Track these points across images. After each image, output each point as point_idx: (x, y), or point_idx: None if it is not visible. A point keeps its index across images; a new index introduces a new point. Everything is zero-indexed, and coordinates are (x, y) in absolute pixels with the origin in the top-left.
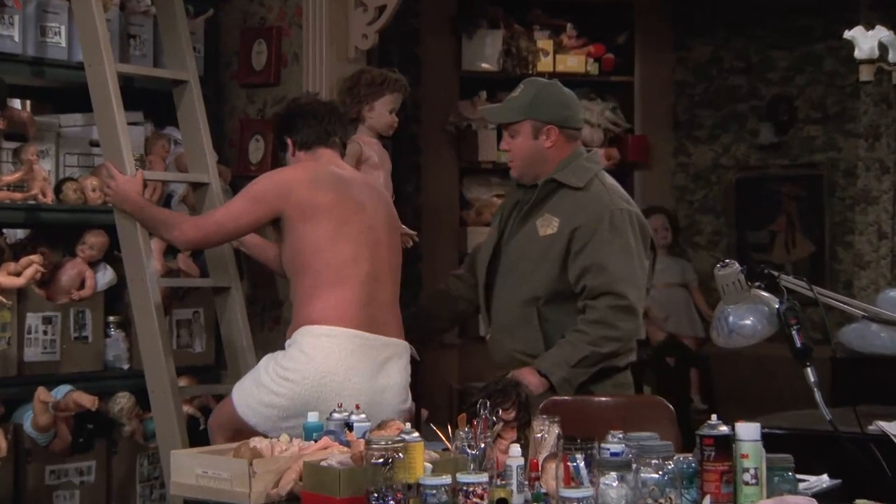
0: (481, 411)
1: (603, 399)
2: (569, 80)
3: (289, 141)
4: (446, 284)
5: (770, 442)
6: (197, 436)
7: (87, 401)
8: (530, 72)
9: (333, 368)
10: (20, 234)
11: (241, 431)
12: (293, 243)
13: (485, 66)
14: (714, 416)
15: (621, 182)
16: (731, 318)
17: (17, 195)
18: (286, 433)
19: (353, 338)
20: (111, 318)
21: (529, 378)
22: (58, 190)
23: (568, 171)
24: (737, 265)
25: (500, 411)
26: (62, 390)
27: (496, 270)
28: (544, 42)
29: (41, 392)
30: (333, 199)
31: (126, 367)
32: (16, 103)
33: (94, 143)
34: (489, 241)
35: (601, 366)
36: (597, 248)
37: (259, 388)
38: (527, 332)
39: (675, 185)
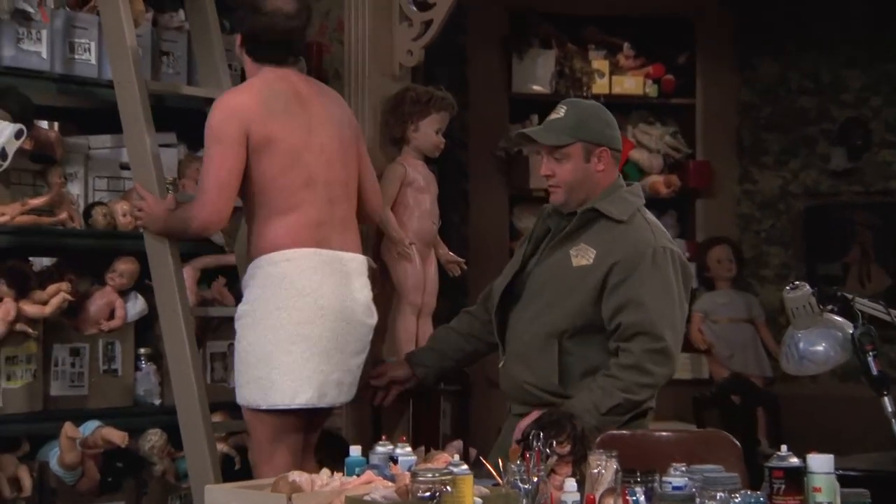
0: (534, 444)
1: (663, 434)
2: (626, 102)
3: (246, 56)
4: (457, 322)
5: (844, 483)
6: (232, 476)
7: (117, 437)
8: (585, 94)
9: (305, 287)
10: (46, 261)
11: (286, 433)
12: (249, 174)
13: (536, 87)
14: (784, 447)
15: (683, 210)
16: (801, 344)
17: (44, 220)
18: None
19: (312, 256)
20: (142, 351)
21: None
22: (86, 215)
23: (609, 202)
24: (807, 287)
25: (555, 444)
26: (90, 426)
27: (515, 296)
28: (599, 62)
29: (68, 428)
30: (286, 126)
31: (157, 402)
32: (43, 123)
33: (125, 166)
34: (509, 268)
35: (633, 413)
36: (636, 285)
37: (256, 363)
38: (543, 365)
39: (739, 214)
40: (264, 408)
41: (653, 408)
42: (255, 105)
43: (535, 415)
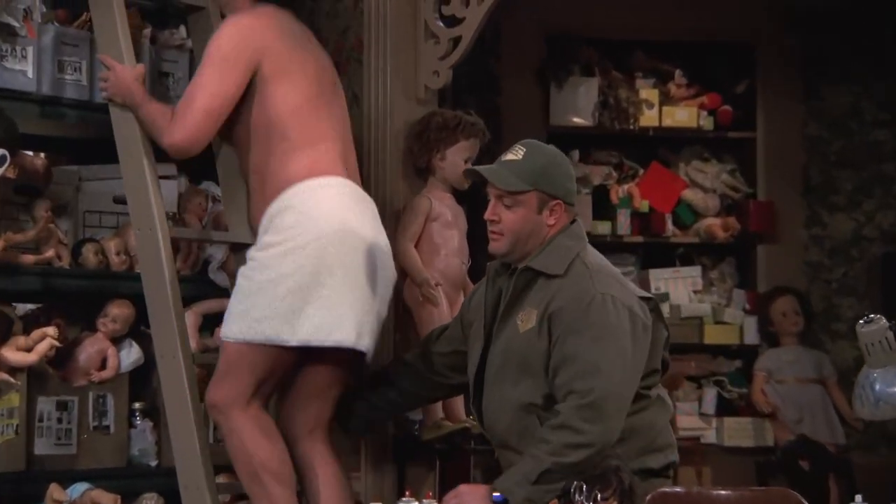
0: (576, 497)
1: (722, 492)
2: (678, 136)
3: None
4: (392, 367)
5: None
6: None
7: (109, 501)
8: (631, 127)
9: (346, 216)
10: (31, 304)
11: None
12: (265, 105)
13: (577, 120)
14: (858, 497)
15: (743, 257)
16: (877, 385)
17: (29, 258)
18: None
19: (348, 186)
20: (137, 405)
21: None
22: (76, 253)
23: (545, 256)
24: (884, 321)
25: (599, 498)
26: (79, 489)
27: (485, 377)
28: (648, 91)
29: (54, 490)
30: (304, 55)
31: (154, 462)
32: (28, 150)
33: (120, 200)
34: (476, 345)
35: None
36: (570, 341)
37: (286, 295)
38: (532, 441)
39: (807, 261)
40: (293, 343)
41: (675, 462)
42: (273, 30)
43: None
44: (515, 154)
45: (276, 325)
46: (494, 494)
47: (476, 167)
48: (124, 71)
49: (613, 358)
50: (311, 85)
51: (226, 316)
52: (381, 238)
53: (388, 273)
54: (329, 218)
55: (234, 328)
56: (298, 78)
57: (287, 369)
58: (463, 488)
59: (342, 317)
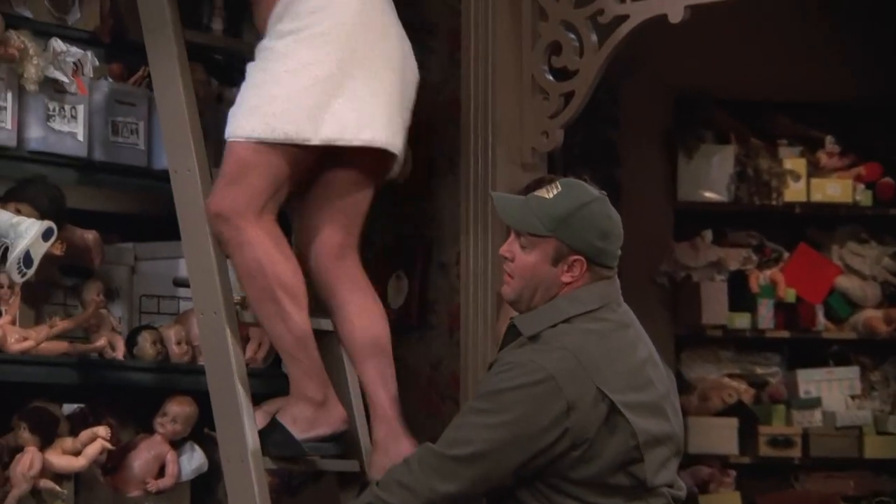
0: None
1: None
2: (830, 213)
3: None
4: None
5: None
6: None
7: None
8: (774, 202)
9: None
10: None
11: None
12: None
13: (710, 194)
14: None
15: None
16: None
17: (78, 347)
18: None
19: None
20: None
21: None
22: (131, 342)
23: (534, 314)
24: None
25: None
26: None
27: None
28: (794, 161)
29: None
30: None
31: None
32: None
33: (181, 282)
34: None
35: None
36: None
37: (310, 87)
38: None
39: None
40: (315, 142)
41: None
42: None
43: None
44: (548, 192)
45: (296, 120)
46: None
47: (496, 193)
48: None
49: (472, 427)
50: None
51: (233, 112)
52: (404, 36)
53: (411, 76)
54: (358, 5)
55: (246, 125)
56: None
57: (302, 177)
58: None
59: (373, 114)
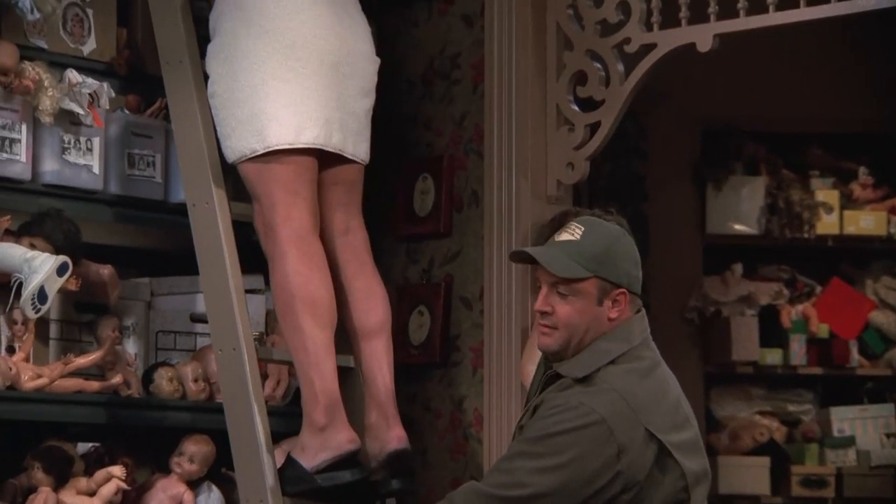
0: None
1: None
2: (863, 247)
3: None
4: None
5: None
6: None
7: None
8: (806, 235)
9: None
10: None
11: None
12: None
13: (740, 227)
14: None
15: None
16: None
17: (93, 385)
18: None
19: None
20: None
21: None
22: (147, 379)
23: (577, 360)
24: None
25: None
26: None
27: None
28: (826, 193)
29: None
30: None
31: None
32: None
33: (198, 318)
34: None
35: None
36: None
37: (245, 101)
38: None
39: None
40: (261, 152)
41: None
42: None
43: None
44: (572, 233)
45: (244, 136)
46: None
47: (526, 248)
48: None
49: (520, 467)
50: None
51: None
52: (351, 29)
53: (364, 65)
54: (275, 10)
55: (227, 152)
56: None
57: (308, 177)
58: None
59: (309, 114)
